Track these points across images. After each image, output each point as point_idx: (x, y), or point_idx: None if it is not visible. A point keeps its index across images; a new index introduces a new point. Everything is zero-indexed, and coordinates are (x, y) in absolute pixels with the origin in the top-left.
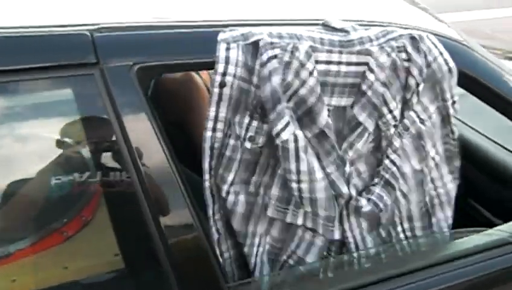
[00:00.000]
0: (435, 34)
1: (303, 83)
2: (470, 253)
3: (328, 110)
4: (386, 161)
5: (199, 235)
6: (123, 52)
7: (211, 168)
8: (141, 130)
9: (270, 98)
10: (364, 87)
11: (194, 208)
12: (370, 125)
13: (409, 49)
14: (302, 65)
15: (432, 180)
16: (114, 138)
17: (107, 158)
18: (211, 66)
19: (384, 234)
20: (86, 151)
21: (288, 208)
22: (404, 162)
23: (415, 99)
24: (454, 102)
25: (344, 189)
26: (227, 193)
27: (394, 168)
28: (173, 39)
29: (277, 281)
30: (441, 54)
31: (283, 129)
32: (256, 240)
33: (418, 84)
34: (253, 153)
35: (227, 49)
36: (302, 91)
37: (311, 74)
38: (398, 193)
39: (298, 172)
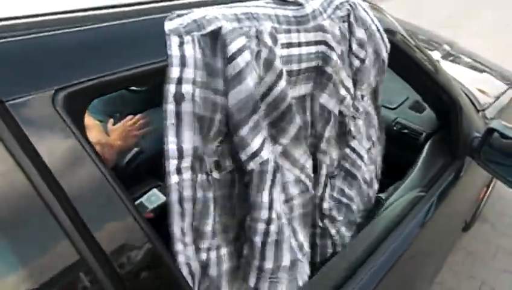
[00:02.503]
0: None
1: (278, 77)
2: (402, 216)
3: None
4: (347, 150)
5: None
6: (33, 72)
7: (184, 234)
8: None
9: (243, 106)
10: (329, 70)
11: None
12: (335, 109)
13: (352, 19)
14: (274, 53)
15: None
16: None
17: None
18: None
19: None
20: None
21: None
22: (361, 144)
23: (363, 77)
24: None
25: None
26: (208, 249)
27: (354, 156)
28: (110, 38)
29: None
30: (372, 21)
31: (262, 147)
32: None
33: (363, 60)
34: (225, 184)
35: (181, 44)
36: (278, 89)
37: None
38: (362, 182)
39: (271, 206)
